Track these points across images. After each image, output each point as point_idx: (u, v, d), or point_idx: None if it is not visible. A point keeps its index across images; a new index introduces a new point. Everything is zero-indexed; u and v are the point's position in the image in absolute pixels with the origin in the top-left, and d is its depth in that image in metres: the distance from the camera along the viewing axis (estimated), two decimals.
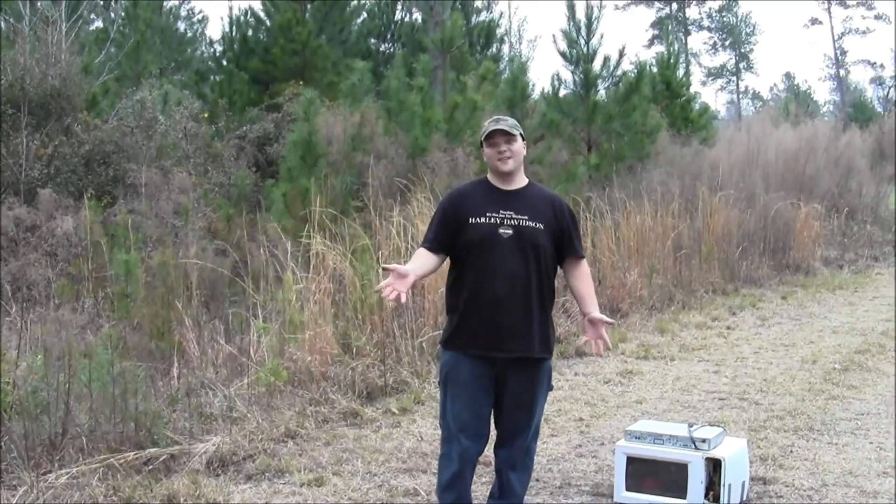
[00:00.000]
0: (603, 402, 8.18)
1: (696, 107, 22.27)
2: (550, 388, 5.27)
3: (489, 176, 5.19)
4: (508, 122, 5.08)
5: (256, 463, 6.46)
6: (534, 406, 5.13)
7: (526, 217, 5.04)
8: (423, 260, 5.06)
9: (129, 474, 6.05)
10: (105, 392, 6.51)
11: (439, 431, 7.09)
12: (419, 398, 8.07)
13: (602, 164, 15.81)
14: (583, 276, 5.27)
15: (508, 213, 5.03)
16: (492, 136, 5.04)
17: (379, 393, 8.14)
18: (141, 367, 7.18)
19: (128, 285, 8.71)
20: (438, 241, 5.08)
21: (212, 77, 20.53)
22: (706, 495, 5.64)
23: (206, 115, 15.83)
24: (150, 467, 6.21)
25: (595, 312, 5.14)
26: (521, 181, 5.18)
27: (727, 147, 20.08)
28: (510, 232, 4.99)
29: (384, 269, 4.86)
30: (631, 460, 5.81)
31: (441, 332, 5.36)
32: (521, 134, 5.10)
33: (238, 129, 15.99)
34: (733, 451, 5.78)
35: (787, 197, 16.28)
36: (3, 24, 16.14)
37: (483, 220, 5.02)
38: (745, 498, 5.85)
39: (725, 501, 5.62)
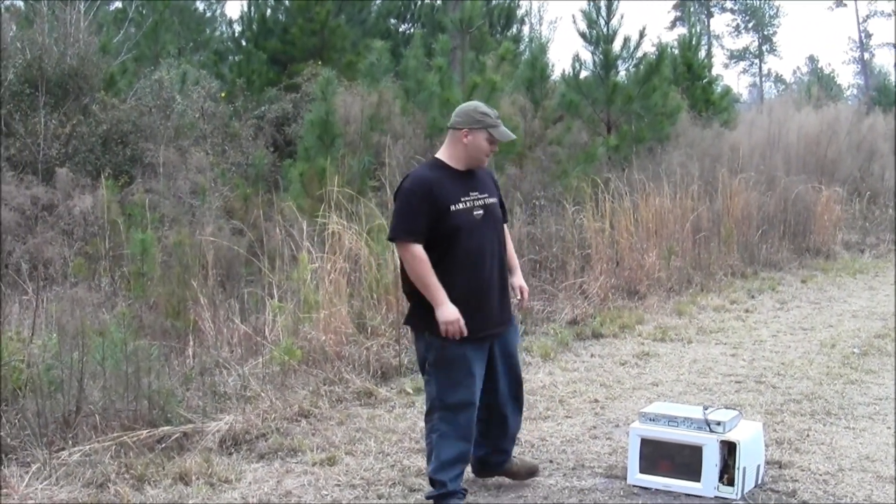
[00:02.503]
0: (618, 384, 8.14)
1: (718, 89, 22.10)
2: None
3: (445, 159, 5.35)
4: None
5: (269, 442, 6.46)
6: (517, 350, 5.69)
7: (486, 195, 5.35)
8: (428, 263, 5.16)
9: (142, 452, 6.06)
10: (118, 370, 6.51)
11: None
12: None
13: (621, 145, 15.70)
14: (509, 243, 5.65)
15: (475, 194, 5.29)
16: (497, 141, 5.33)
17: (393, 373, 8.13)
18: (155, 345, 7.19)
19: (144, 264, 8.70)
20: (423, 233, 5.16)
21: (230, 57, 20.49)
22: (720, 478, 5.60)
23: (224, 94, 15.82)
24: (163, 445, 6.22)
25: (522, 282, 5.66)
26: None
27: (748, 130, 19.94)
28: (482, 212, 5.27)
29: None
30: (645, 442, 5.78)
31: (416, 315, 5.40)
32: None
33: (256, 109, 15.96)
34: (748, 435, 5.74)
35: (808, 180, 16.14)
36: (21, 4, 16.15)
37: (461, 205, 5.21)
38: (759, 481, 5.80)
39: (740, 485, 5.58)
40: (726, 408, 6.40)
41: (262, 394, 7.10)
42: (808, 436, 6.76)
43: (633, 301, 11.37)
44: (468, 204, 5.24)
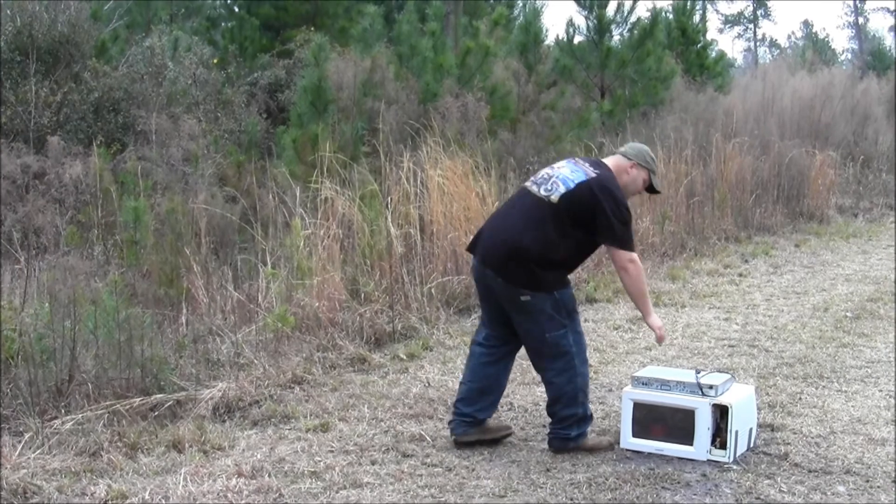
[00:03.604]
0: (612, 349, 8.16)
1: (712, 54, 22.02)
2: None
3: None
4: None
5: (262, 409, 6.46)
6: None
7: None
8: None
9: (135, 420, 6.07)
10: (111, 339, 6.50)
11: (447, 377, 7.15)
12: (427, 344, 8.06)
13: (615, 110, 15.68)
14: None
15: None
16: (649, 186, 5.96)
17: (387, 339, 8.13)
18: (148, 313, 7.16)
19: (136, 232, 8.66)
20: None
21: (222, 23, 20.32)
22: (713, 442, 5.62)
23: (216, 61, 15.71)
24: (156, 413, 6.22)
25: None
26: None
27: (742, 94, 19.89)
28: None
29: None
30: (638, 406, 5.79)
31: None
32: None
33: (249, 75, 15.85)
34: (741, 398, 5.75)
35: (802, 144, 16.10)
36: None
37: None
38: (752, 444, 5.82)
39: (732, 448, 5.59)
40: (719, 371, 6.42)
41: (256, 361, 7.10)
42: (800, 399, 6.78)
43: None
44: None
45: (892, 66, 30.37)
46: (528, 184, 5.90)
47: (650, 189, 6.02)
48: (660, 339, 5.97)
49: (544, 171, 5.89)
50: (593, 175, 5.69)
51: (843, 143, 18.59)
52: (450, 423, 5.95)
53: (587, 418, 5.83)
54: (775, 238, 13.91)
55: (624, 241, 5.66)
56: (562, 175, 5.73)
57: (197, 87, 14.05)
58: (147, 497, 5.06)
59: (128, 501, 5.02)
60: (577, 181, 5.66)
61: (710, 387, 5.64)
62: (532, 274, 5.60)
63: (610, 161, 5.89)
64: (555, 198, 5.64)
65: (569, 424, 5.76)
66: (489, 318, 5.94)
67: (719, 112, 16.23)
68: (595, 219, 5.61)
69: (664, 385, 5.75)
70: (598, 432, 6.05)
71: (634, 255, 5.71)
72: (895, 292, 10.18)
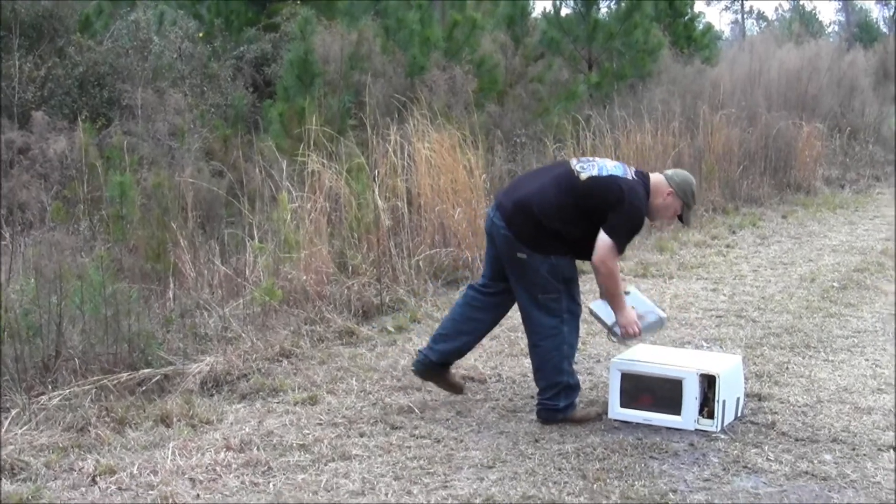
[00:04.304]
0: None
1: (700, 26, 21.99)
2: None
3: (651, 196, 5.85)
4: None
5: (250, 382, 6.46)
6: None
7: None
8: None
9: (123, 395, 6.05)
10: (98, 314, 6.47)
11: None
12: (415, 317, 8.06)
13: (603, 82, 15.65)
14: None
15: None
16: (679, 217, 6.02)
17: (375, 312, 8.13)
18: (135, 288, 7.14)
19: (123, 207, 8.61)
20: None
21: None
22: (701, 411, 5.64)
23: (202, 35, 15.60)
24: (144, 388, 6.21)
25: None
26: None
27: (730, 66, 19.86)
28: None
29: None
30: (625, 377, 5.81)
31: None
32: None
33: (235, 49, 15.74)
34: (728, 368, 5.77)
35: (789, 116, 16.11)
36: None
37: None
38: (739, 414, 5.84)
39: (720, 417, 5.61)
40: (706, 342, 6.44)
41: (243, 335, 7.09)
42: (787, 369, 6.80)
43: None
44: None
45: (879, 38, 30.36)
46: (571, 159, 6.03)
47: (679, 218, 6.06)
48: (625, 335, 5.89)
49: (592, 158, 6.00)
50: (631, 178, 5.76)
51: (829, 114, 18.59)
52: (418, 351, 6.14)
53: (573, 387, 5.84)
54: (762, 209, 13.92)
55: (619, 234, 5.65)
56: (603, 164, 5.82)
57: (183, 61, 13.96)
58: (135, 471, 5.06)
59: (116, 476, 5.01)
60: (613, 174, 5.73)
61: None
62: (535, 232, 5.65)
63: (653, 178, 5.91)
64: (584, 176, 5.70)
65: (555, 394, 5.77)
66: (489, 269, 6.04)
67: (707, 84, 16.20)
68: (609, 212, 5.63)
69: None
70: (586, 403, 6.07)
71: (615, 258, 5.69)
72: None
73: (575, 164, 5.82)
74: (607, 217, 5.62)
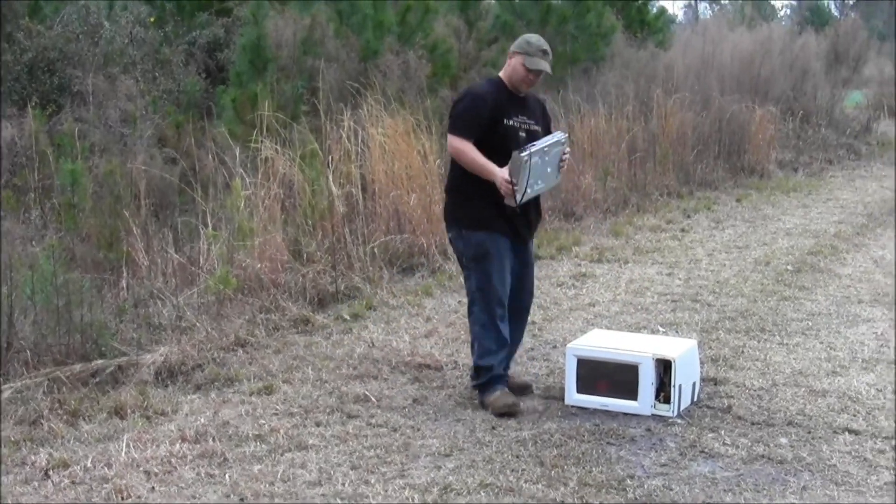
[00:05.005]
0: (556, 305, 8.17)
1: (653, 10, 22.02)
2: None
3: (505, 81, 5.87)
4: (550, 61, 5.81)
5: (206, 372, 6.40)
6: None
7: (533, 122, 5.92)
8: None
9: (76, 387, 5.98)
10: (49, 304, 6.39)
11: (391, 337, 7.12)
12: (371, 304, 8.02)
13: (556, 66, 15.62)
14: None
15: (523, 118, 5.86)
16: (537, 71, 5.77)
17: (330, 299, 8.08)
18: (87, 278, 7.05)
19: (74, 195, 8.52)
20: (476, 135, 5.71)
21: None
22: (657, 396, 5.66)
23: (153, 20, 15.44)
24: (97, 380, 6.13)
25: None
26: None
27: (683, 50, 19.89)
28: (524, 135, 5.82)
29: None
30: (582, 363, 5.81)
31: (451, 215, 6.03)
32: None
33: (187, 34, 15.59)
34: (683, 352, 5.79)
35: (742, 100, 16.20)
36: None
37: (512, 122, 5.80)
38: (695, 398, 5.87)
39: (676, 402, 5.63)
40: (662, 326, 6.46)
41: (198, 324, 7.02)
42: (742, 352, 6.84)
43: (570, 222, 11.40)
44: (516, 123, 5.81)
45: (830, 22, 30.60)
46: None
47: (536, 72, 5.81)
48: (503, 194, 5.65)
49: None
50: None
51: (782, 98, 18.71)
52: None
53: (482, 370, 5.84)
54: (717, 193, 14.00)
55: (452, 118, 5.84)
56: None
57: (134, 46, 13.80)
58: (89, 464, 5.00)
59: (69, 470, 4.95)
60: None
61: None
62: (447, 205, 6.04)
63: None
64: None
65: (476, 373, 5.92)
66: None
67: (660, 68, 16.24)
68: None
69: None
70: (543, 389, 6.09)
71: (455, 139, 5.74)
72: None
73: None
74: None
